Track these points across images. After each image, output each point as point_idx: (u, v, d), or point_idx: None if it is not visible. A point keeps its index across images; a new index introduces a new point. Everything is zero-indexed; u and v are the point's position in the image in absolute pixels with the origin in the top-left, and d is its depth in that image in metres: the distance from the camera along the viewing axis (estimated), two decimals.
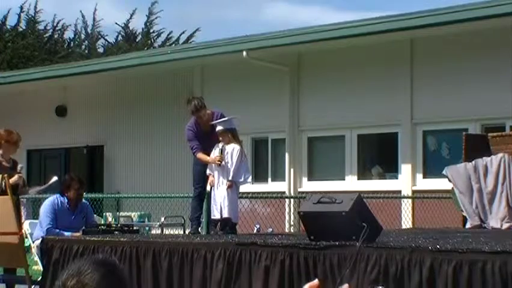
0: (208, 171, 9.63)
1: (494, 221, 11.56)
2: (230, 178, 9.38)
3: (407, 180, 16.44)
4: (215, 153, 9.54)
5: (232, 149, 9.48)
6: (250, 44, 17.68)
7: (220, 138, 9.56)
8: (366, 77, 16.90)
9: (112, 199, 18.76)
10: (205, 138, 9.82)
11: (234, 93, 18.13)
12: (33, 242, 10.29)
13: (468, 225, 11.69)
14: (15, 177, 9.92)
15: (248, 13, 65.94)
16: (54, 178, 9.97)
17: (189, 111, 9.99)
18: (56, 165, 21.90)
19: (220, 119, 9.77)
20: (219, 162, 9.38)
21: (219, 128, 9.57)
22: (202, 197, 10.11)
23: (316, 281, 2.62)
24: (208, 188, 10.04)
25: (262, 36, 18.21)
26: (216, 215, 9.42)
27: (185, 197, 12.67)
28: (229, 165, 9.41)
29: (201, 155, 9.76)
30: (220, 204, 9.34)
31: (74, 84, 21.49)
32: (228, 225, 9.33)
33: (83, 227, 9.45)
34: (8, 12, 35.38)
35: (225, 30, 61.96)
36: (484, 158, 11.89)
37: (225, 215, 9.29)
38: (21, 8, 34.68)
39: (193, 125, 9.99)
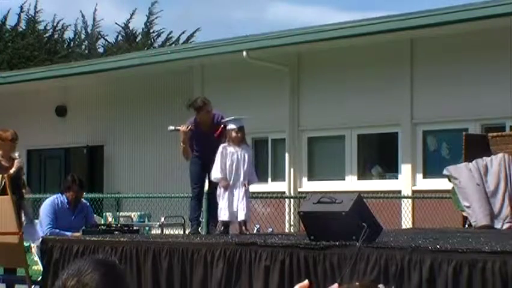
0: (221, 175, 9.45)
1: (496, 221, 11.53)
2: (247, 181, 9.26)
3: (407, 180, 16.43)
4: (218, 155, 9.43)
5: (245, 152, 9.36)
6: (250, 44, 17.68)
7: (233, 135, 9.34)
8: (366, 77, 16.88)
9: (112, 199, 18.76)
10: (204, 138, 9.79)
11: (234, 93, 18.11)
12: (33, 242, 10.29)
13: (479, 224, 11.35)
14: (15, 162, 9.89)
15: (250, 13, 65.99)
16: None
17: (195, 106, 9.83)
18: (56, 165, 21.92)
19: (220, 120, 9.73)
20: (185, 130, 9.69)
21: (231, 126, 9.40)
22: (200, 196, 10.07)
23: (306, 282, 2.63)
24: (206, 187, 10.02)
25: (262, 36, 18.21)
26: (230, 217, 9.22)
27: (185, 197, 12.65)
28: (243, 168, 9.26)
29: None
30: (236, 206, 9.17)
31: (74, 84, 21.49)
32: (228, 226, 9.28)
33: (83, 227, 9.45)
34: (8, 12, 35.39)
35: (227, 31, 62.02)
36: (484, 158, 11.87)
37: (242, 217, 9.18)
38: (21, 8, 34.74)
39: (192, 124, 9.95)
